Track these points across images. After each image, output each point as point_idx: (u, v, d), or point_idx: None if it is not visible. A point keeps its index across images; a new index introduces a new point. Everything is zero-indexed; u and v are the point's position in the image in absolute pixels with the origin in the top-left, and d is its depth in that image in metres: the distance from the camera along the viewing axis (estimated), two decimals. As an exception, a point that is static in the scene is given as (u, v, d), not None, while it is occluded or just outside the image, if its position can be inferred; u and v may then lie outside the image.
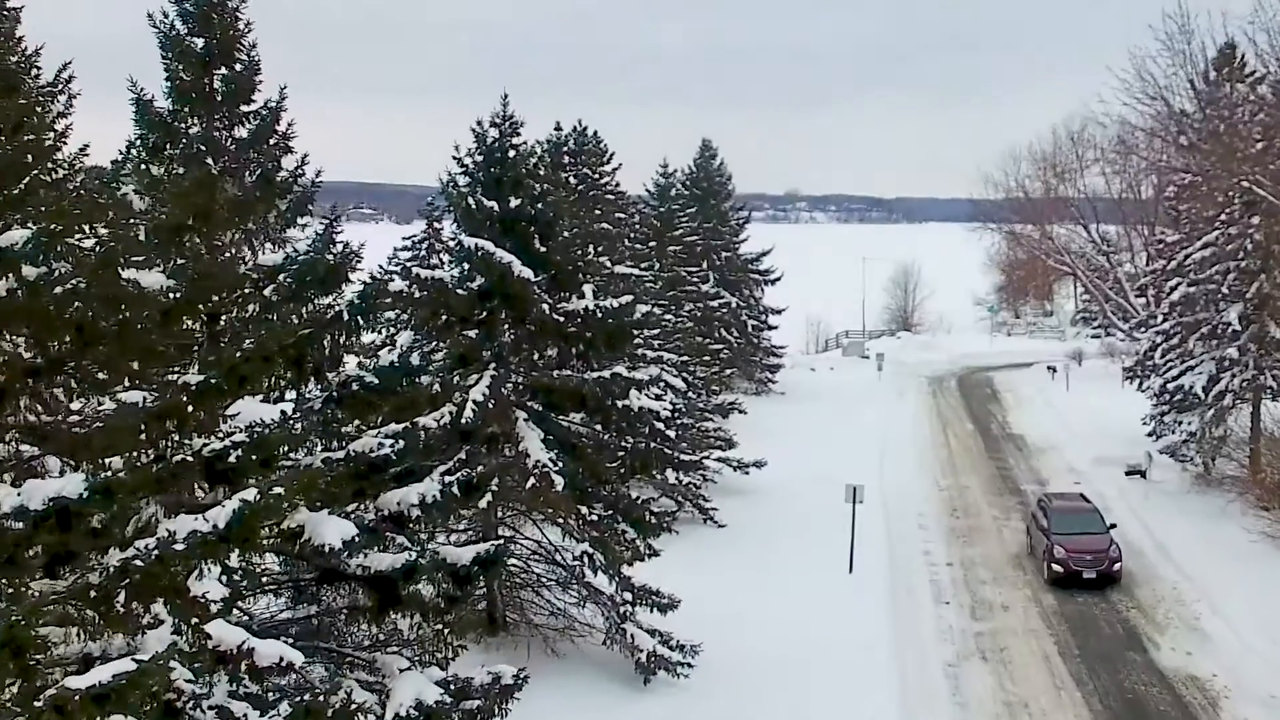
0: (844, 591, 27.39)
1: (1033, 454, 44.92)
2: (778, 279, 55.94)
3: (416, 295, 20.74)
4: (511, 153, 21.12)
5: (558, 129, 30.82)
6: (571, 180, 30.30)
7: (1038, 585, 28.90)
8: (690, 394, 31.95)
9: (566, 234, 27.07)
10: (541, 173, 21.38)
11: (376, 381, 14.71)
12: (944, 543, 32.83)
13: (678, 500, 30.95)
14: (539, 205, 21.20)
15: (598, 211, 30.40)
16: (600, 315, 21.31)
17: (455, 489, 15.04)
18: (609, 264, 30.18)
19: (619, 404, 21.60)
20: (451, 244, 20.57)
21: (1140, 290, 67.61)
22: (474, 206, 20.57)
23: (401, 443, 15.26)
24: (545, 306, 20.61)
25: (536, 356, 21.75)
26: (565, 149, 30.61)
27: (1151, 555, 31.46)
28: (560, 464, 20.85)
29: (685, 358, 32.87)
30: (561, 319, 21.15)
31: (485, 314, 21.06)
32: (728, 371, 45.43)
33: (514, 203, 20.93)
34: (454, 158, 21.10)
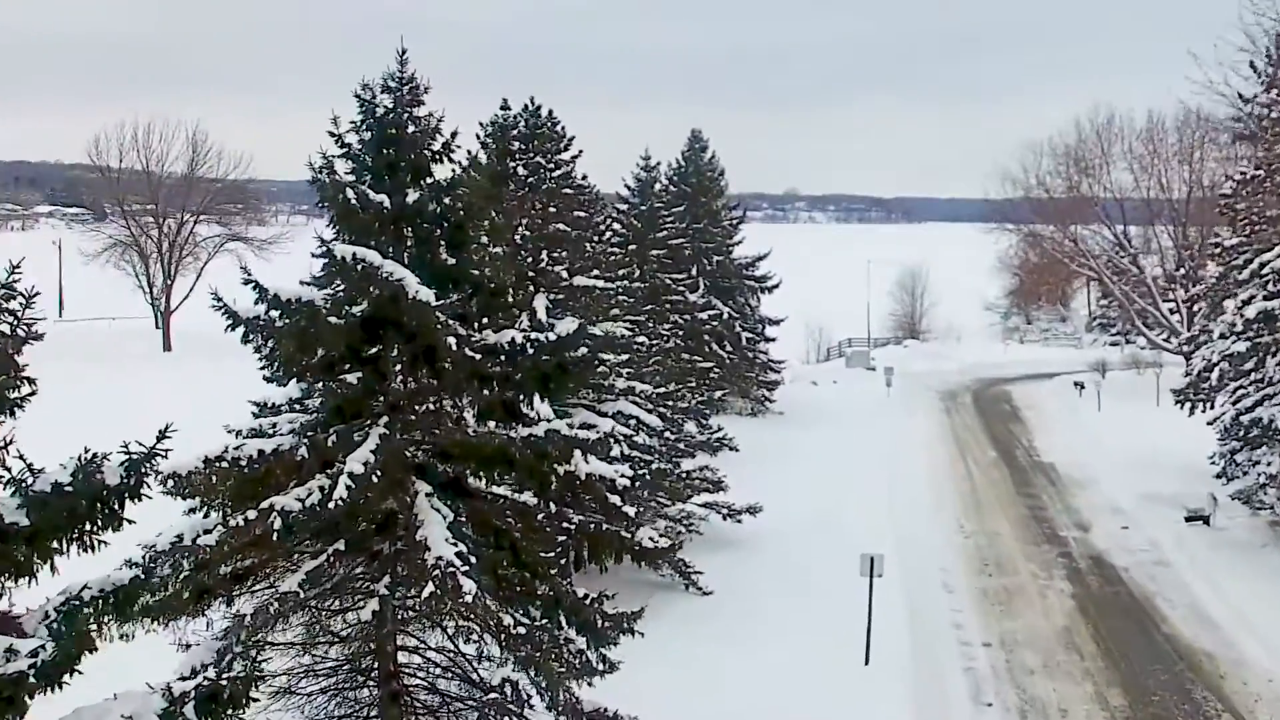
0: (860, 691, 21.56)
1: (1068, 489, 39.17)
2: (775, 286, 50.16)
3: (278, 324, 14.98)
4: (411, 128, 15.34)
5: (504, 108, 25.05)
6: (520, 171, 24.51)
7: (1101, 676, 23.14)
8: (669, 433, 26.17)
9: (497, 238, 21.33)
10: (455, 155, 15.59)
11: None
12: (977, 612, 27.08)
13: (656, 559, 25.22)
14: (448, 199, 15.43)
15: (553, 209, 24.62)
16: (534, 350, 15.55)
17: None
18: (565, 274, 24.44)
19: (559, 469, 15.84)
20: (321, 253, 14.75)
21: (1189, 299, 61.98)
22: (355, 201, 14.79)
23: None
24: (453, 341, 14.83)
25: (447, 406, 15.95)
26: (515, 133, 24.85)
27: (1230, 628, 25.72)
28: (476, 557, 15.11)
29: (664, 389, 27.08)
30: (478, 356, 15.38)
31: (372, 350, 15.28)
32: (719, 394, 39.67)
33: (412, 196, 15.14)
34: (331, 133, 15.32)
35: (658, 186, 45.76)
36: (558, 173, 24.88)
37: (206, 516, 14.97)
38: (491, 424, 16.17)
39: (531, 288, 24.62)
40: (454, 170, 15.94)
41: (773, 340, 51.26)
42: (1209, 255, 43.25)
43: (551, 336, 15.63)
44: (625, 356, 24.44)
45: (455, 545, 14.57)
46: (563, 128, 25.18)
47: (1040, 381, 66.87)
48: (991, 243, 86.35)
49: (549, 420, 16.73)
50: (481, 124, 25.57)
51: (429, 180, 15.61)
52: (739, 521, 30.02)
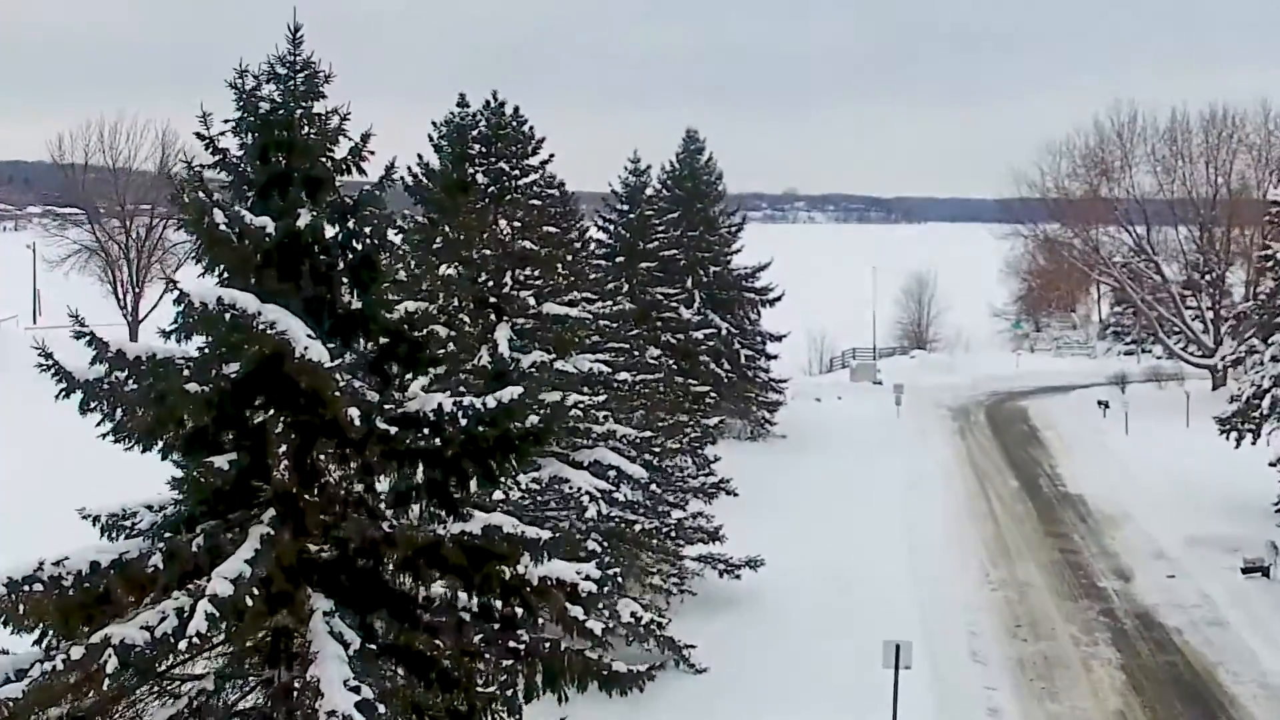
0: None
1: (1102, 527, 35.41)
2: (777, 299, 46.37)
3: (126, 388, 11.26)
4: (306, 129, 11.62)
5: (462, 104, 21.29)
6: (480, 179, 20.75)
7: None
8: (656, 484, 22.44)
9: (452, 258, 17.81)
10: (364, 163, 11.87)
11: None
12: (1013, 689, 23.33)
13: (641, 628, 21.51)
14: (353, 221, 11.72)
15: (518, 223, 20.87)
16: (469, 418, 11.84)
17: None
18: (534, 300, 20.69)
19: (504, 573, 12.12)
20: (176, 299, 10.98)
21: (1214, 306, 58.39)
22: (227, 226, 11.08)
23: None
24: (356, 413, 11.09)
25: (360, 491, 12.20)
26: (474, 134, 21.10)
27: (1312, 711, 22.06)
28: (391, 697, 11.45)
29: (651, 430, 23.29)
30: (394, 429, 11.67)
31: (252, 422, 11.55)
32: (716, 421, 35.98)
33: (305, 219, 11.42)
34: (199, 135, 11.59)
35: (649, 191, 42.09)
36: (525, 180, 21.17)
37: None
38: (415, 514, 12.50)
39: (493, 315, 20.91)
40: (368, 184, 12.22)
41: (774, 358, 47.50)
42: (1263, 268, 39.47)
43: (492, 403, 11.88)
44: (603, 398, 20.69)
45: (358, 689, 10.84)
46: (531, 128, 21.47)
47: (1056, 396, 63.13)
48: (998, 246, 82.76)
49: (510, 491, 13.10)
50: (435, 124, 21.88)
51: (330, 198, 11.89)
52: (738, 577, 26.30)
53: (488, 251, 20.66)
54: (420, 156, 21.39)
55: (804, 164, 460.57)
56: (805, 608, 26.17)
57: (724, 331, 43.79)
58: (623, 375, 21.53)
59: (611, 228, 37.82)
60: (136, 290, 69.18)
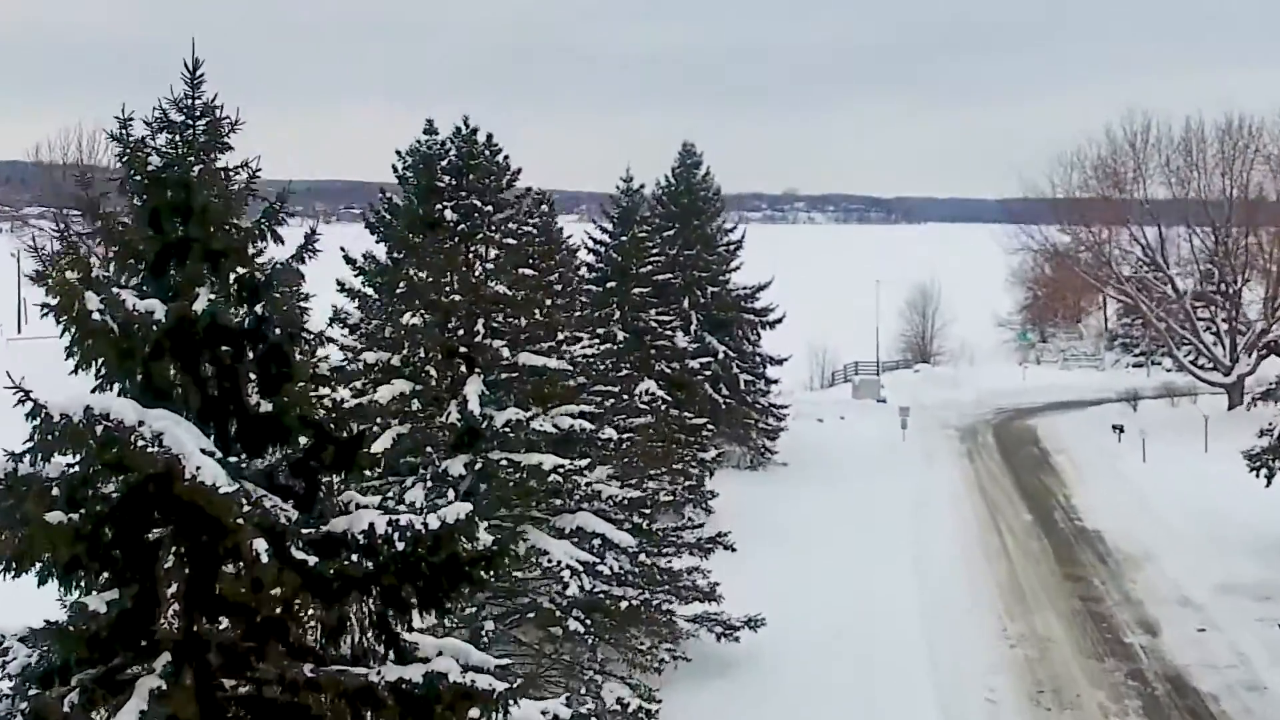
0: None
1: (1122, 568, 33.27)
2: (778, 320, 44.22)
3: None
4: (205, 193, 9.48)
5: (429, 131, 19.12)
6: (449, 214, 18.59)
7: None
8: (646, 553, 20.28)
9: (416, 305, 15.91)
10: (279, 218, 9.73)
11: None
12: (1039, 772, 21.25)
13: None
14: (263, 304, 9.58)
15: (491, 264, 18.75)
16: (408, 541, 9.72)
17: None
18: (507, 351, 18.57)
19: (453, 721, 10.00)
20: (29, 411, 8.79)
21: (1229, 320, 56.25)
22: (102, 315, 8.95)
23: None
24: (263, 546, 8.97)
25: (280, 624, 10.06)
26: (443, 165, 18.94)
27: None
28: None
29: (641, 487, 21.13)
30: (314, 559, 9.53)
31: (138, 553, 9.42)
32: (714, 455, 33.91)
33: (202, 302, 9.28)
34: (80, 196, 9.45)
35: (644, 208, 39.98)
36: (499, 216, 19.06)
37: None
38: (351, 646, 10.41)
39: (464, 367, 18.79)
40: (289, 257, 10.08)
41: (775, 382, 45.34)
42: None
43: (435, 523, 9.76)
44: (585, 462, 18.56)
45: None
46: (506, 157, 19.34)
47: (1065, 414, 61.11)
48: (1002, 248, 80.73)
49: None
50: (399, 153, 19.71)
51: (239, 274, 9.76)
52: (736, 640, 24.17)
53: (457, 296, 18.56)
54: (383, 192, 19.28)
55: (804, 164, 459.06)
56: (808, 675, 24.03)
57: (722, 355, 41.65)
58: (608, 432, 19.36)
59: (602, 250, 35.66)
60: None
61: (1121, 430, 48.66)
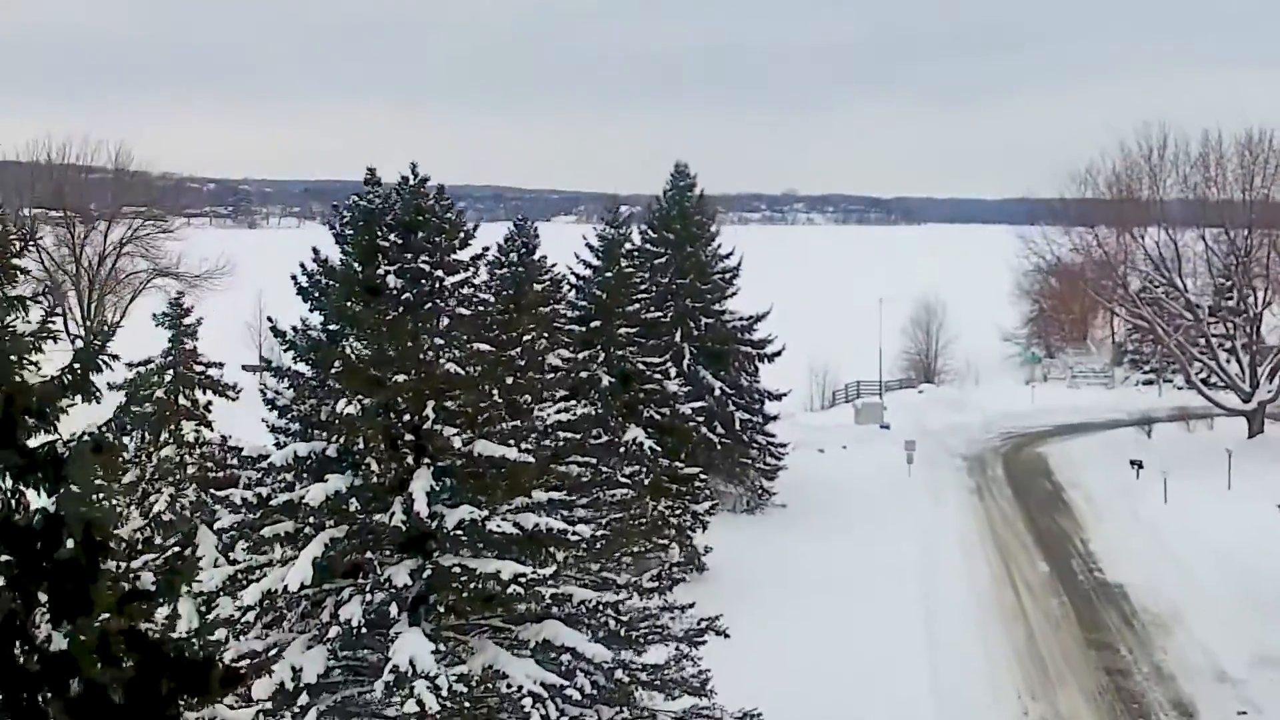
0: None
1: (1150, 634, 30.68)
2: (777, 354, 41.59)
3: None
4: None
5: (371, 182, 16.48)
6: (392, 280, 15.97)
7: None
8: (623, 670, 17.64)
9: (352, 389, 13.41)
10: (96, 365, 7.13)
11: None
12: None
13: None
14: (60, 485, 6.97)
15: (440, 339, 16.14)
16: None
17: None
18: (457, 441, 15.98)
19: None
20: None
21: (1248, 344, 53.63)
22: None
23: None
24: None
25: None
26: (389, 222, 16.31)
27: None
28: None
29: (615, 594, 18.46)
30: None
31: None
32: (707, 507, 31.39)
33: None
34: None
35: (635, 233, 37.43)
36: (452, 281, 16.47)
37: None
38: None
39: (410, 458, 16.21)
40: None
41: (774, 418, 42.69)
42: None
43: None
44: (551, 570, 15.95)
45: None
46: (460, 212, 16.75)
47: (1076, 439, 58.68)
48: (1009, 266, 78.23)
49: None
50: (336, 208, 17.11)
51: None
52: (729, 747, 21.52)
53: (402, 376, 15.94)
54: (316, 251, 16.64)
55: (803, 164, 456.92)
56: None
57: (718, 391, 39.06)
58: (580, 528, 16.75)
59: (585, 287, 33.02)
60: (89, 324, 64.58)
61: (1140, 466, 46.01)
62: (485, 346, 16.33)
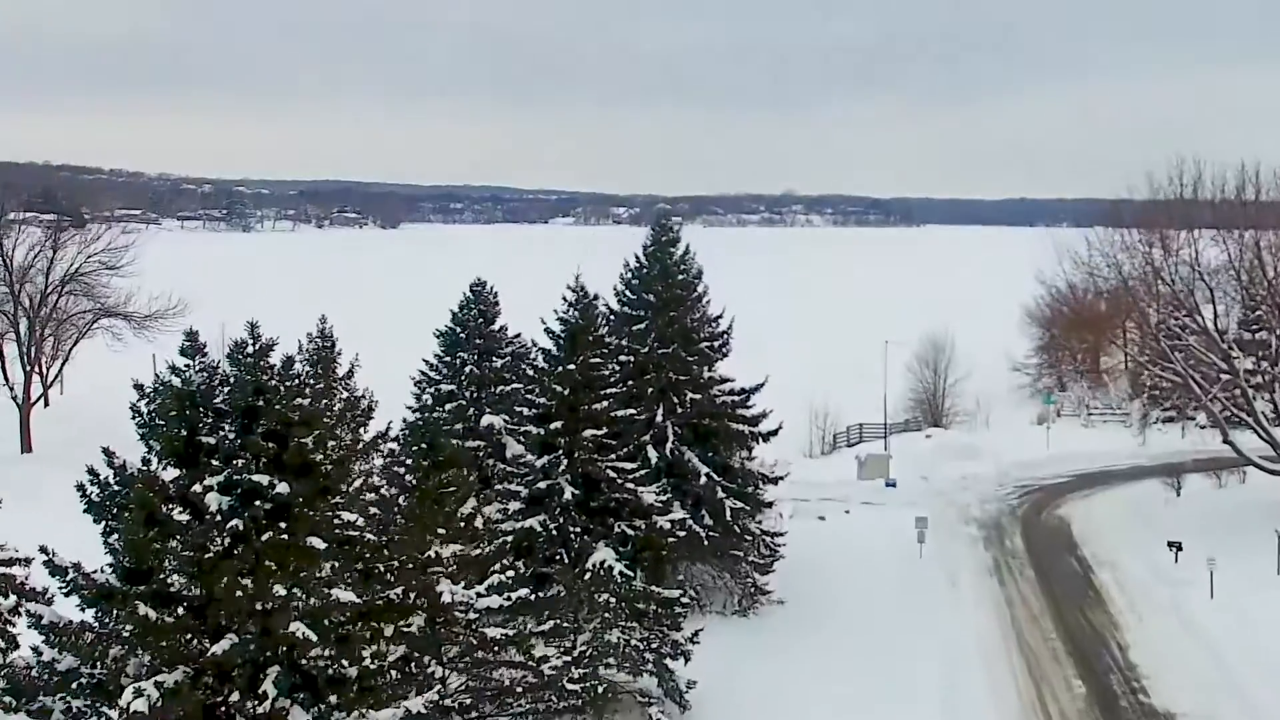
0: None
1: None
2: (774, 432, 36.64)
3: None
4: None
5: (193, 347, 11.62)
6: (213, 502, 11.11)
7: None
8: None
9: None
10: None
11: None
12: None
13: None
14: None
15: (340, 498, 11.32)
16: None
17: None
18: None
19: None
20: None
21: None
22: None
23: None
24: None
25: None
26: (216, 404, 11.45)
27: None
28: None
29: None
30: None
31: None
32: (691, 633, 26.67)
33: None
34: None
35: (613, 300, 32.58)
36: (358, 447, 11.64)
37: None
38: None
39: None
40: None
41: (769, 505, 37.81)
42: None
43: None
44: None
45: None
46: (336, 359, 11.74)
47: (1098, 495, 54.34)
48: (1006, 253, 73.65)
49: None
50: (138, 386, 12.28)
51: None
52: None
53: (227, 641, 11.07)
54: (109, 454, 11.80)
55: (802, 164, 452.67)
56: None
57: (704, 478, 34.20)
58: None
59: (544, 380, 28.13)
60: (29, 369, 59.70)
61: (1179, 549, 41.15)
62: (349, 597, 11.44)
